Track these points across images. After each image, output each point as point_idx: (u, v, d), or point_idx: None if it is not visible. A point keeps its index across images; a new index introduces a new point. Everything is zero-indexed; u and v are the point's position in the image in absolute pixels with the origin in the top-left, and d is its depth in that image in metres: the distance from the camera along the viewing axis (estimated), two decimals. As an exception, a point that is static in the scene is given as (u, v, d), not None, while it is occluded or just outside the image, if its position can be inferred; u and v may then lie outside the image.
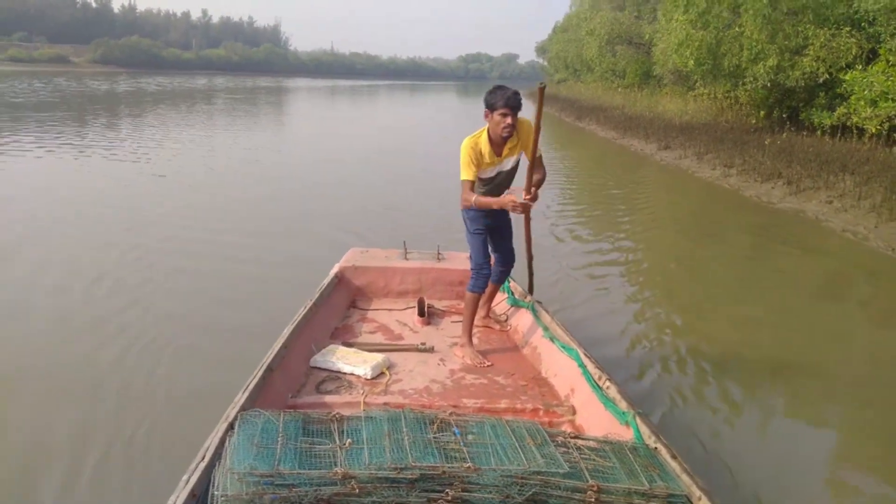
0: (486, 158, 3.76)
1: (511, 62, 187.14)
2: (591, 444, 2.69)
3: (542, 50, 68.81)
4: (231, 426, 2.57)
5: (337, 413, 2.71)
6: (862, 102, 12.99)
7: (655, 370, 4.77)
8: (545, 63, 68.66)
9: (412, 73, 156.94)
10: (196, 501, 2.24)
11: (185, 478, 2.31)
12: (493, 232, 4.11)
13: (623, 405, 3.01)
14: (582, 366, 3.45)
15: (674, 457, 2.59)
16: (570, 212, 10.50)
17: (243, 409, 2.72)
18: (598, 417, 3.13)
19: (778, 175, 11.71)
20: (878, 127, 12.80)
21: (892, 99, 12.35)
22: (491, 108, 3.69)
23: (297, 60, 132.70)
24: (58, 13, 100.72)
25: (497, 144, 3.77)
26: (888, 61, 12.89)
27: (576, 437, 2.74)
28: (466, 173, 3.72)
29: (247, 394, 2.89)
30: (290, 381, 3.45)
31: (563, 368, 3.66)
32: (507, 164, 3.84)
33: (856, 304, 6.82)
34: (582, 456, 2.57)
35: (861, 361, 5.26)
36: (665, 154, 16.74)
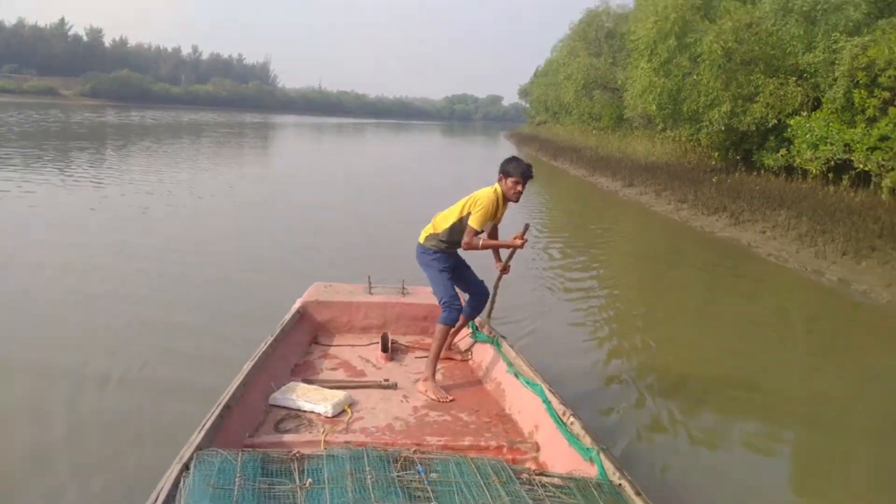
0: (498, 214, 4.17)
1: (495, 104, 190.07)
2: (556, 480, 2.69)
3: (524, 92, 70.13)
4: (186, 467, 2.49)
5: (297, 452, 2.66)
6: (804, 146, 14.17)
7: (620, 404, 4.86)
8: (527, 105, 70.27)
9: (398, 113, 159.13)
10: None
11: None
12: (457, 269, 4.33)
13: (587, 441, 3.00)
14: (546, 402, 3.42)
15: (638, 493, 2.58)
16: (537, 243, 11.37)
17: (199, 448, 2.64)
18: (562, 454, 3.10)
19: (723, 209, 12.83)
20: (819, 168, 13.96)
21: (831, 143, 13.52)
22: (506, 174, 4.06)
23: (286, 97, 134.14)
24: (49, 46, 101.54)
25: (504, 205, 4.20)
26: (829, 110, 14.11)
27: (540, 475, 2.72)
28: (479, 223, 4.00)
29: (203, 433, 2.79)
30: (248, 419, 3.37)
31: (527, 404, 3.63)
32: (490, 226, 4.22)
33: (775, 313, 7.81)
34: (547, 493, 2.55)
35: (796, 378, 5.79)
36: (628, 190, 17.88)
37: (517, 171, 4.03)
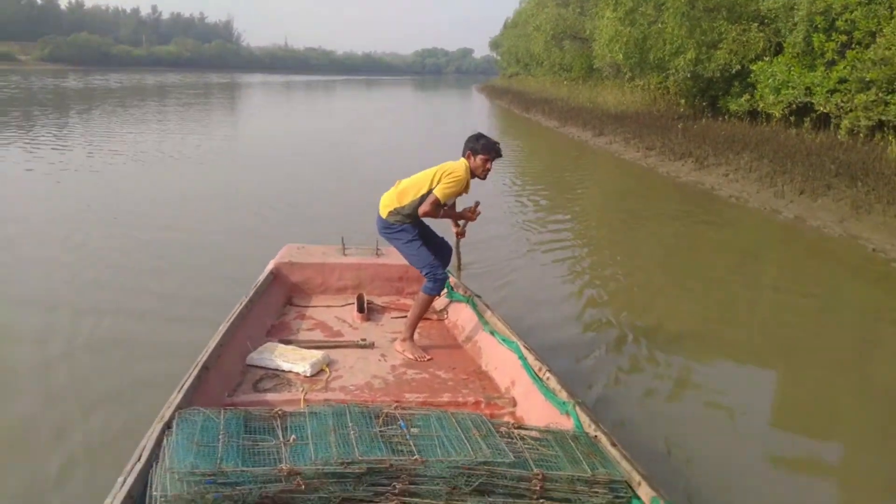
0: (465, 190, 4.09)
1: (466, 57, 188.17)
2: (534, 433, 2.76)
3: (495, 45, 69.66)
4: (168, 425, 2.52)
5: (279, 409, 2.69)
6: (767, 90, 14.58)
7: (595, 356, 4.90)
8: (499, 58, 69.84)
9: (368, 69, 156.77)
10: (133, 503, 2.19)
11: (120, 479, 2.25)
12: (423, 234, 4.23)
13: (563, 395, 3.07)
14: (522, 358, 3.49)
15: (613, 444, 2.66)
16: (509, 193, 11.71)
17: (179, 408, 2.68)
18: (538, 408, 3.17)
19: (689, 154, 13.26)
20: (782, 111, 14.40)
21: (792, 87, 13.93)
22: (475, 152, 4.00)
23: (251, 56, 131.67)
24: (2, 10, 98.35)
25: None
26: (791, 54, 14.47)
27: (519, 428, 2.80)
28: (445, 195, 3.92)
29: (182, 393, 2.83)
30: (226, 379, 3.40)
31: (503, 361, 3.69)
32: (454, 201, 4.18)
33: (742, 254, 8.20)
34: (526, 445, 2.62)
35: (760, 313, 6.02)
36: (598, 140, 18.23)
37: (487, 150, 3.99)
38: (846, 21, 12.63)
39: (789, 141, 12.81)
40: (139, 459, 2.34)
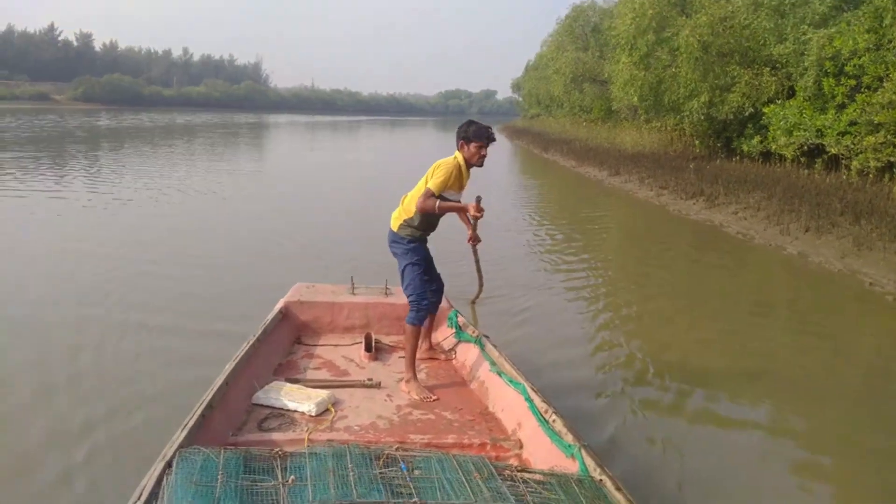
0: (462, 181, 4.03)
1: (489, 98, 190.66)
2: (538, 477, 2.71)
3: (517, 86, 70.71)
4: (169, 465, 2.51)
5: (279, 450, 2.69)
6: (779, 132, 14.92)
7: (603, 398, 4.83)
8: (520, 99, 70.86)
9: (393, 109, 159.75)
10: None
11: None
12: (427, 262, 4.22)
13: (569, 438, 3.04)
14: (529, 400, 3.47)
15: (618, 489, 2.62)
16: (525, 229, 12.07)
17: (181, 447, 2.67)
18: (544, 451, 3.14)
19: (700, 193, 13.60)
20: (793, 153, 14.72)
21: (804, 129, 14.26)
22: (467, 140, 3.95)
23: (278, 97, 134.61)
24: (40, 52, 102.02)
25: (467, 172, 4.06)
26: (802, 97, 14.84)
27: (522, 471, 2.75)
28: (438, 186, 3.86)
29: (185, 431, 2.83)
30: (230, 418, 3.38)
31: (510, 402, 3.66)
32: (457, 197, 4.08)
33: (747, 288, 8.46)
34: (528, 489, 2.58)
35: (760, 349, 6.02)
36: (613, 179, 18.64)
37: (479, 135, 3.94)
38: (854, 66, 12.99)
39: (800, 181, 13.12)
40: (139, 499, 2.35)
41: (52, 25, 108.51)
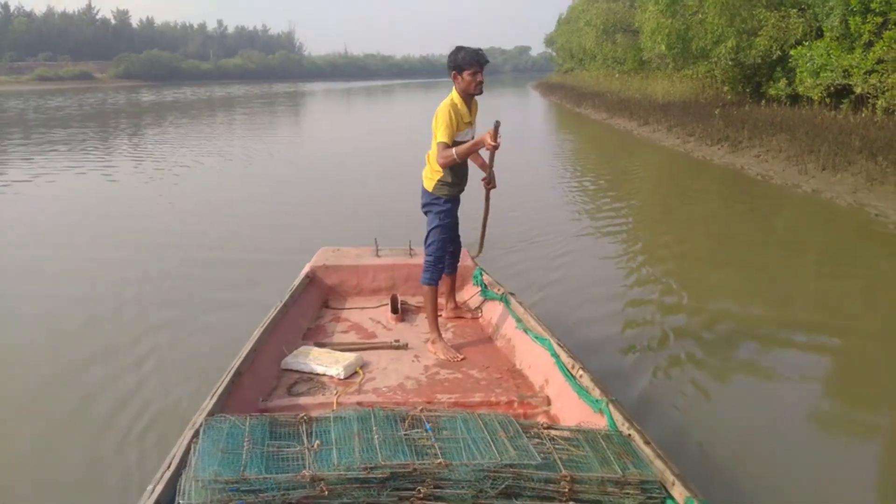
0: (465, 117, 3.82)
1: (523, 55, 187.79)
2: (565, 433, 2.71)
3: (550, 41, 69.85)
4: (197, 433, 2.54)
5: (305, 415, 2.70)
6: (805, 74, 14.92)
7: (632, 353, 4.81)
8: (554, 54, 70.01)
9: (426, 72, 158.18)
10: None
11: (150, 487, 2.28)
12: (454, 223, 4.16)
13: (596, 393, 3.03)
14: (555, 356, 3.45)
15: (647, 443, 2.60)
16: (554, 182, 12.53)
17: (211, 414, 2.69)
18: (572, 407, 3.14)
19: (725, 139, 13.84)
20: (820, 94, 14.74)
21: (830, 70, 14.25)
22: (458, 68, 3.74)
23: (312, 65, 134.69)
24: (79, 31, 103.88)
25: (468, 105, 3.85)
26: (829, 38, 14.78)
27: (549, 428, 2.75)
28: (445, 135, 3.71)
29: (214, 399, 2.86)
30: (260, 384, 3.42)
31: (536, 359, 3.66)
32: (471, 134, 3.90)
33: (760, 227, 8.76)
34: (555, 446, 2.58)
35: (780, 285, 6.21)
36: (642, 129, 18.91)
37: (470, 62, 3.73)
38: (881, 2, 12.93)
39: (825, 122, 13.23)
40: (169, 467, 2.39)
41: (89, 4, 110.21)
